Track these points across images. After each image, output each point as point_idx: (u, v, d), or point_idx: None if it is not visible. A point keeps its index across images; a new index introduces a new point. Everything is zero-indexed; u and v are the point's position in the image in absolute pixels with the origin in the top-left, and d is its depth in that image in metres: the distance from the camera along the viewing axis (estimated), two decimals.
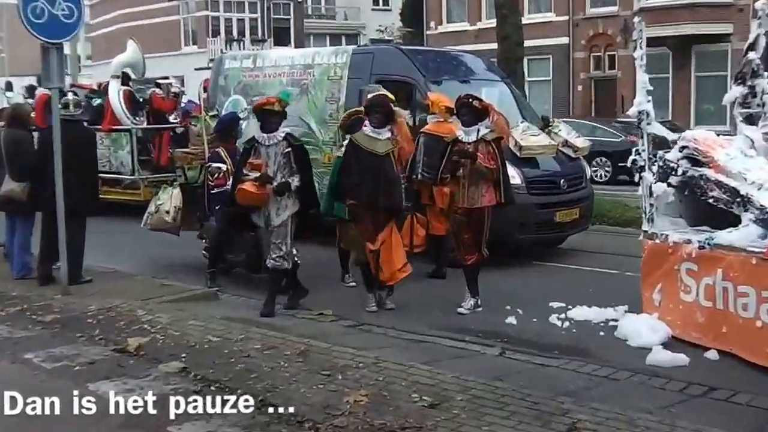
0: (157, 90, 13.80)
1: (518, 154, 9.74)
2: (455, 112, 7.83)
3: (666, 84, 26.61)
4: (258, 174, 7.21)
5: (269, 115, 7.32)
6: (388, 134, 7.44)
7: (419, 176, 8.62)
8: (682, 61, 26.69)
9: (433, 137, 8.64)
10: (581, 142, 10.70)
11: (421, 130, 8.81)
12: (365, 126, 7.51)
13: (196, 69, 31.81)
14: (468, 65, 11.44)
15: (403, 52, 10.87)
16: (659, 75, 25.80)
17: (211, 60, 25.46)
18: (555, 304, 7.59)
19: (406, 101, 10.50)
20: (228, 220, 8.06)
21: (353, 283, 8.40)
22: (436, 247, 9.01)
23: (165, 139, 13.24)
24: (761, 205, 6.20)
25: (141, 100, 13.98)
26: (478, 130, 7.40)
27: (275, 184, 7.24)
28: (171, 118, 13.67)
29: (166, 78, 14.66)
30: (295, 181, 7.27)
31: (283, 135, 7.35)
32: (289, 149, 7.32)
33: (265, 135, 7.33)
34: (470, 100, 7.54)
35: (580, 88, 29.35)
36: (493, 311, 7.48)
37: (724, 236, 6.28)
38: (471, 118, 7.48)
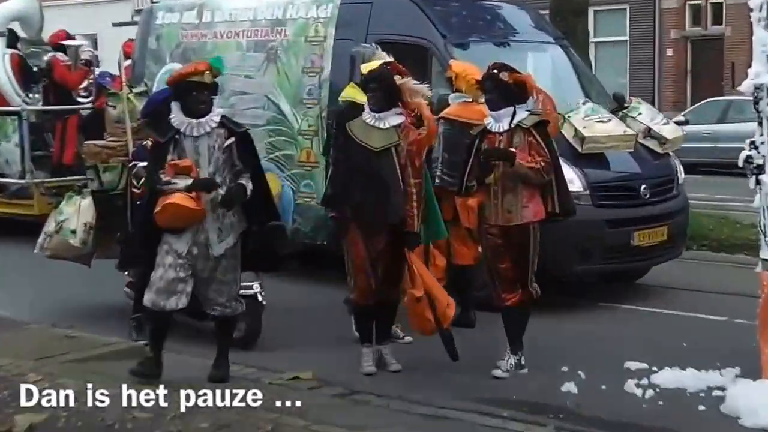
0: (60, 55, 13.89)
1: (579, 148, 9.81)
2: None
3: None
4: (189, 179, 6.94)
5: (197, 92, 7.09)
6: (397, 120, 7.52)
7: (437, 180, 8.68)
8: None
9: (456, 125, 8.69)
10: (671, 130, 10.76)
11: (440, 115, 8.86)
12: (365, 111, 7.62)
13: (114, 24, 31.98)
14: (507, 20, 11.54)
15: (413, 0, 10.97)
16: None
17: (137, 12, 25.62)
18: (633, 365, 7.59)
19: (417, 73, 10.61)
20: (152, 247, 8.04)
21: (410, 338, 8.38)
22: (461, 283, 9.07)
23: (71, 127, 13.34)
24: None
25: (36, 69, 14.09)
26: (513, 114, 7.48)
27: (220, 192, 7.05)
28: (79, 97, 13.78)
29: (72, 38, 14.75)
30: (249, 185, 7.15)
31: (218, 120, 7.12)
32: (231, 140, 7.11)
33: (192, 121, 7.08)
34: (496, 71, 7.61)
35: (670, 52, 29.51)
36: (543, 374, 7.49)
37: None
38: (499, 96, 7.54)
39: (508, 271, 7.61)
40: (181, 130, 7.09)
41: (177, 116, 7.13)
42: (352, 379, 7.44)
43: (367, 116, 7.52)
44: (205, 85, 7.12)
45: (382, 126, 7.47)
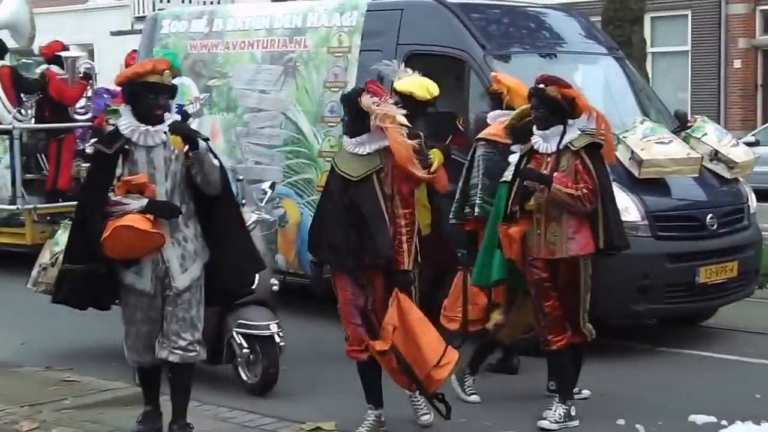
0: (55, 68, 14.05)
1: (636, 173, 9.83)
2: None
3: None
4: (143, 199, 6.64)
5: (155, 94, 6.77)
6: (379, 144, 7.28)
7: (476, 210, 8.72)
8: None
9: (499, 147, 8.74)
10: (741, 153, 10.76)
11: (479, 136, 8.92)
12: (345, 138, 7.51)
13: (113, 33, 32.29)
14: (554, 29, 11.60)
15: (448, 7, 10.99)
16: None
17: (138, 19, 25.80)
18: (699, 419, 7.59)
19: (454, 87, 10.68)
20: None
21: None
22: None
23: (67, 147, 13.49)
24: None
25: (29, 82, 14.26)
26: (563, 133, 7.55)
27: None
28: (76, 113, 13.93)
29: (67, 49, 14.91)
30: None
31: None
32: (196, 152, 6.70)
33: (146, 128, 6.73)
34: (543, 84, 7.64)
35: (738, 63, 29.47)
36: (596, 428, 7.50)
37: None
38: (547, 113, 7.59)
39: (554, 309, 7.61)
40: (133, 139, 6.72)
41: (128, 122, 6.75)
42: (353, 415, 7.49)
43: (348, 144, 7.37)
44: (164, 87, 6.81)
45: (361, 152, 7.31)
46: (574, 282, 7.56)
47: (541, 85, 7.65)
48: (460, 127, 9.93)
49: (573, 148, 7.51)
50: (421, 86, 8.84)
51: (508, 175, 7.84)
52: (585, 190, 7.41)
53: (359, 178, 7.20)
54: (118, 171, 6.71)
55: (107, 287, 6.88)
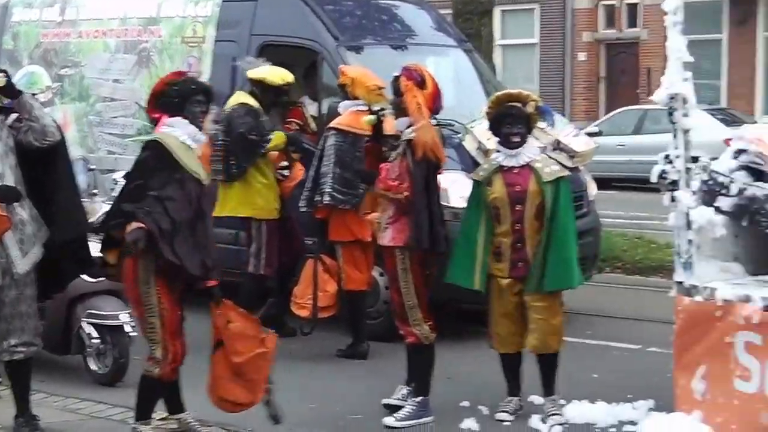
0: None
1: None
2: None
3: (718, 51, 27.29)
4: None
5: None
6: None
7: (327, 198, 8.67)
8: (744, 14, 27.40)
9: (349, 137, 8.70)
10: (582, 143, 10.87)
11: (330, 125, 8.87)
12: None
13: None
14: (405, 22, 11.63)
15: None
16: (708, 36, 26.52)
17: None
18: (538, 399, 7.64)
19: (308, 78, 10.60)
20: None
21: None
22: (354, 310, 9.10)
23: None
24: None
25: None
26: (409, 125, 7.41)
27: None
28: None
29: None
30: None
31: None
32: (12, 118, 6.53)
33: None
34: (399, 75, 7.51)
35: (582, 56, 29.97)
36: (442, 410, 7.48)
37: None
38: (398, 102, 7.47)
39: (394, 299, 7.55)
40: None
41: None
42: (227, 417, 7.22)
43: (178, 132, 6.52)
44: None
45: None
46: (390, 273, 7.46)
47: (397, 75, 7.55)
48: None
49: (403, 140, 7.43)
50: (274, 73, 8.74)
51: (478, 172, 7.53)
52: (406, 193, 7.29)
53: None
54: None
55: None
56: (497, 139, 7.51)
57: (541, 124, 10.50)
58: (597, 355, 9.24)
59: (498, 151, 7.50)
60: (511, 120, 7.37)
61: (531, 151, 7.43)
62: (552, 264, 7.24)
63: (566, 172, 7.52)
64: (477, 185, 7.46)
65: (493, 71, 13.72)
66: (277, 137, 9.11)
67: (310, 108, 10.26)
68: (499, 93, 7.71)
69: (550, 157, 7.71)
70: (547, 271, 7.24)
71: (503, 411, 7.49)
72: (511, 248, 7.30)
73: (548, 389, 7.48)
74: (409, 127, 7.39)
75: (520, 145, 7.36)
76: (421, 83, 7.43)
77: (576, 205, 10.46)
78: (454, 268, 7.42)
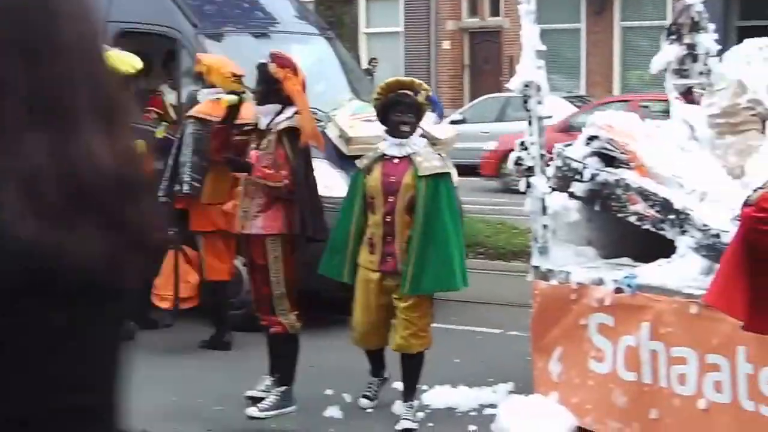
0: None
1: (345, 150, 9.89)
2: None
3: (577, 39, 27.78)
4: None
5: None
6: None
7: (186, 188, 8.58)
8: (601, 4, 27.96)
9: (208, 125, 8.62)
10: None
11: (189, 114, 8.79)
12: None
13: None
14: (267, 9, 11.61)
15: None
16: (566, 25, 26.98)
17: None
18: (401, 385, 7.62)
19: (167, 67, 10.46)
20: None
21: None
22: (215, 301, 9.06)
23: None
24: (704, 225, 6.58)
25: None
26: (278, 113, 7.41)
27: None
28: None
29: None
30: None
31: None
32: None
33: None
34: (267, 60, 7.50)
35: (446, 44, 30.22)
36: (306, 399, 7.50)
37: (652, 273, 6.62)
38: (265, 90, 7.42)
39: (257, 289, 7.49)
40: None
41: None
42: None
43: None
44: None
45: None
46: (263, 266, 7.35)
47: (265, 61, 7.51)
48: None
49: (275, 130, 7.39)
50: (122, 60, 8.59)
51: (363, 160, 7.40)
52: (286, 181, 7.25)
53: None
54: None
55: None
56: (384, 127, 7.32)
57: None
58: (459, 340, 9.34)
59: (385, 140, 7.34)
60: (402, 108, 7.16)
61: (417, 143, 7.22)
62: (432, 264, 7.00)
63: (448, 170, 7.29)
64: (357, 174, 7.32)
65: (357, 60, 13.74)
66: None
67: (170, 97, 10.14)
68: (389, 80, 7.50)
69: (438, 153, 7.57)
70: (427, 271, 6.99)
71: (365, 396, 7.52)
72: (382, 241, 7.12)
73: (408, 394, 7.27)
74: (278, 115, 7.34)
75: (408, 134, 7.17)
76: (295, 71, 7.41)
77: None
78: (326, 258, 7.34)
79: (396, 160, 7.12)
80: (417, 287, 6.98)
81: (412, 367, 7.25)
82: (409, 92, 7.21)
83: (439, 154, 10.64)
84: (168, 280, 8.67)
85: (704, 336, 6.14)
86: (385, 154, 7.17)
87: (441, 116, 7.78)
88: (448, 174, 7.23)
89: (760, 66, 7.59)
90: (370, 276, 7.16)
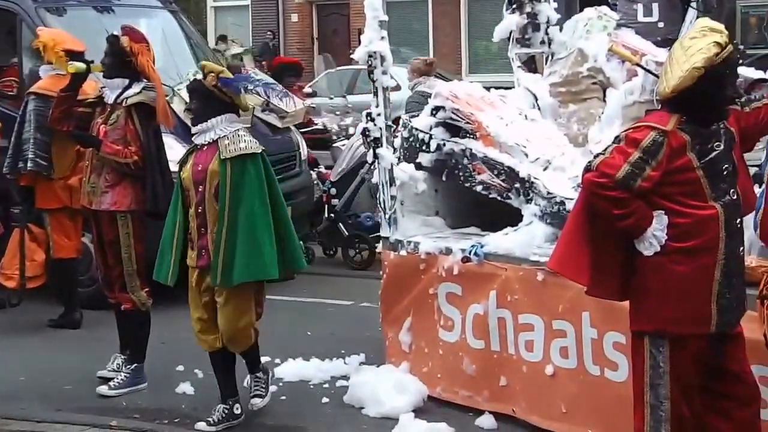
0: None
1: (189, 123, 9.78)
2: None
3: (425, 10, 27.93)
4: None
5: None
6: None
7: (30, 165, 8.40)
8: None
9: (50, 102, 8.43)
10: (291, 103, 10.96)
11: (30, 90, 8.62)
12: None
13: None
14: None
15: None
16: None
17: None
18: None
19: (7, 41, 10.21)
20: None
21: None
22: (64, 279, 8.90)
23: None
24: (549, 193, 6.69)
25: None
26: (126, 88, 7.29)
27: None
28: None
29: None
30: None
31: None
32: None
33: None
34: (118, 33, 7.40)
35: (294, 17, 30.09)
36: (157, 376, 7.46)
37: (499, 241, 6.70)
38: (113, 63, 7.31)
39: (102, 267, 7.41)
40: None
41: None
42: None
43: None
44: None
45: None
46: (113, 242, 7.26)
47: (116, 33, 7.38)
48: None
49: (125, 105, 7.26)
50: None
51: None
52: (136, 156, 7.15)
53: None
54: None
55: None
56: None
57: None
58: (311, 312, 9.36)
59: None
60: (190, 95, 6.77)
61: (223, 127, 6.51)
62: (240, 254, 6.36)
63: (254, 150, 6.51)
64: (179, 167, 6.68)
65: (203, 34, 13.62)
66: None
67: None
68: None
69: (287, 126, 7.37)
70: (236, 261, 6.36)
71: (257, 396, 6.82)
72: (197, 234, 6.50)
73: (251, 367, 6.82)
74: (126, 89, 7.24)
75: (195, 121, 6.62)
76: (148, 46, 7.33)
77: (288, 165, 10.60)
78: (157, 261, 6.69)
79: (205, 148, 6.51)
80: (227, 280, 6.37)
81: (247, 357, 6.81)
82: (198, 78, 6.79)
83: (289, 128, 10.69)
84: (14, 259, 8.51)
85: (550, 302, 6.25)
86: (196, 144, 6.60)
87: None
88: (257, 155, 6.52)
89: (600, 34, 7.75)
90: (193, 274, 6.58)
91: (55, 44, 8.43)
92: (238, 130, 6.55)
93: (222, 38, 26.49)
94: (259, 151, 6.53)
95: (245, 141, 6.49)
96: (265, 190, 6.50)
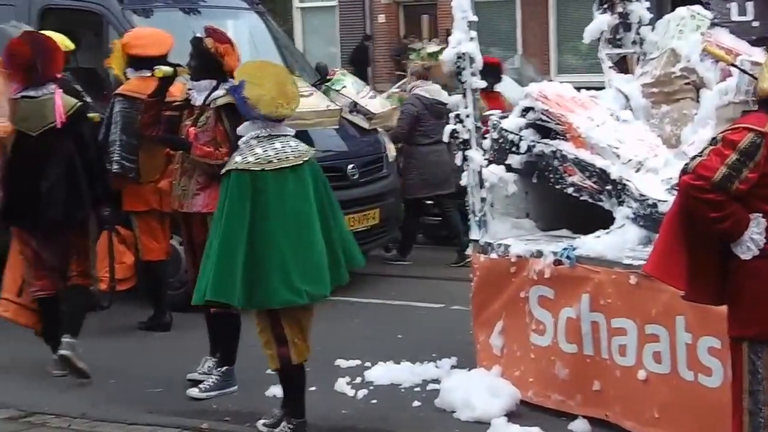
0: None
1: (366, 125, 9.98)
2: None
3: (512, 10, 27.79)
4: None
5: None
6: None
7: (116, 167, 8.49)
8: None
9: (137, 103, 8.51)
10: (379, 104, 10.98)
11: (117, 91, 8.68)
12: None
13: None
14: None
15: None
16: None
17: None
18: (344, 363, 7.73)
19: (94, 42, 10.32)
20: None
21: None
22: (153, 282, 9.00)
23: None
24: (641, 195, 6.60)
25: None
26: (213, 89, 7.33)
27: None
28: None
29: None
30: None
31: None
32: None
33: None
34: (202, 35, 7.45)
35: (382, 18, 30.09)
36: (247, 379, 7.47)
37: (591, 244, 6.63)
38: (199, 66, 7.37)
39: (190, 268, 7.46)
40: None
41: None
42: (31, 398, 7.22)
43: None
44: None
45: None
46: (205, 243, 6.90)
47: (200, 35, 7.43)
48: None
49: (214, 106, 7.33)
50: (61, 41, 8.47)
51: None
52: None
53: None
54: None
55: None
56: None
57: (336, 87, 10.63)
58: (401, 315, 9.34)
59: None
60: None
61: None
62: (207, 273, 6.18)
63: (232, 167, 6.16)
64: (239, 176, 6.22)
65: (290, 35, 13.71)
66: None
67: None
68: None
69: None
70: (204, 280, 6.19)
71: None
72: None
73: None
74: (213, 90, 7.28)
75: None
76: (233, 46, 7.40)
77: (376, 167, 10.61)
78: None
79: None
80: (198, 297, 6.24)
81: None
82: None
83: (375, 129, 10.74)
84: (103, 262, 8.56)
85: (643, 306, 6.17)
86: None
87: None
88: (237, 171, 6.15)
89: (693, 34, 7.64)
90: None
91: (136, 41, 8.53)
92: (254, 137, 6.27)
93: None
94: (254, 169, 6.12)
95: (242, 155, 6.22)
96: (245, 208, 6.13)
